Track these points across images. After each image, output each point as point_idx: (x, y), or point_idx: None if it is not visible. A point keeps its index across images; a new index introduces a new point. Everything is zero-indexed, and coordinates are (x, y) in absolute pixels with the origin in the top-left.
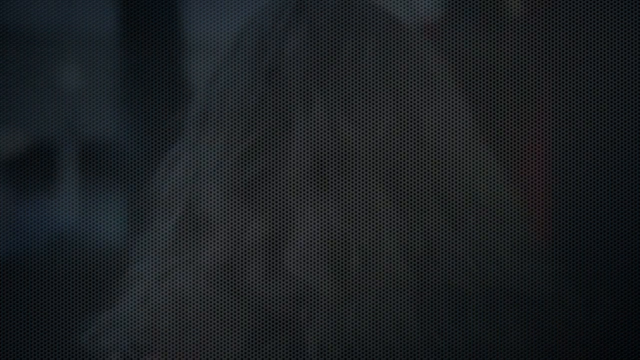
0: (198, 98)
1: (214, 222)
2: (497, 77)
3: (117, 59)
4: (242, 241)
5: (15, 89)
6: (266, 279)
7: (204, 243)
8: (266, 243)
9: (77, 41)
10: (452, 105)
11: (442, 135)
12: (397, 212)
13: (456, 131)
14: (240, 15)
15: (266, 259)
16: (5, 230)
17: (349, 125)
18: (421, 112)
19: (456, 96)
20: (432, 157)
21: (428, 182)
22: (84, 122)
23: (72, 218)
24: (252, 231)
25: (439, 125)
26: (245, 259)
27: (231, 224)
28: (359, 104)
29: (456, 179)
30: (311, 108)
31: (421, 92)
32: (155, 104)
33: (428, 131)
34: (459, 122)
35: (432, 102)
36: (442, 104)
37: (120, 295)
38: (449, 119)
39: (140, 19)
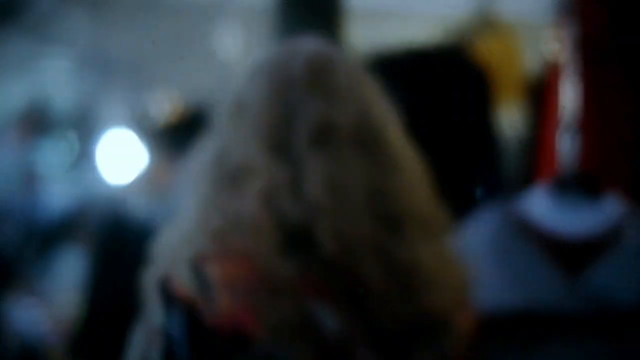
0: (232, 99)
1: (255, 169)
2: None
3: (273, 29)
4: (277, 181)
5: (173, 59)
6: (294, 204)
7: (247, 184)
8: (292, 182)
9: (234, 11)
10: (387, 105)
11: (387, 126)
12: (365, 161)
13: (394, 125)
14: None
15: (293, 192)
16: (159, 198)
17: (335, 111)
18: (372, 105)
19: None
20: (381, 134)
21: (381, 149)
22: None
23: None
24: (282, 174)
25: (384, 118)
26: (280, 192)
27: (267, 170)
28: (341, 97)
29: (397, 150)
30: (308, 104)
31: (368, 93)
32: None
33: (379, 119)
34: (394, 119)
35: (375, 101)
36: (382, 103)
37: (167, 230)
38: (389, 115)
39: None
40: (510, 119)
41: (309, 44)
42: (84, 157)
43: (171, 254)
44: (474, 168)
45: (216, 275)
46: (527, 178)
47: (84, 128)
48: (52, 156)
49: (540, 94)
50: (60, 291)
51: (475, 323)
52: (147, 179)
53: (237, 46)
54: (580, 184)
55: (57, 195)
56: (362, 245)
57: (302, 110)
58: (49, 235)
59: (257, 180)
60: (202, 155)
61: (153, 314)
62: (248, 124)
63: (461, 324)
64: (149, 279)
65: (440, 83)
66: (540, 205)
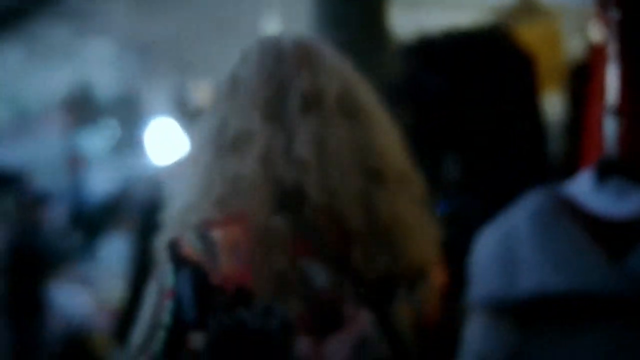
0: (228, 76)
1: (252, 136)
2: None
3: (317, 15)
4: (271, 145)
5: (214, 44)
6: (287, 165)
7: (245, 150)
8: (285, 146)
9: None
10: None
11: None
12: (349, 125)
13: (372, 97)
14: None
15: (286, 154)
16: None
17: (322, 82)
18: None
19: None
20: (362, 103)
21: (363, 115)
22: None
23: None
24: (276, 139)
25: (363, 91)
26: (275, 155)
27: (263, 136)
28: (326, 71)
29: (377, 117)
30: (298, 76)
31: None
32: (360, 57)
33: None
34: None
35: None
36: (360, 80)
37: (171, 201)
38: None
39: None
40: (552, 104)
41: (295, 34)
42: (126, 142)
43: (179, 220)
44: (519, 152)
45: (220, 239)
46: (570, 163)
47: (126, 113)
48: (95, 142)
49: (582, 78)
50: (105, 275)
51: (447, 279)
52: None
53: (279, 30)
54: (624, 168)
55: (100, 180)
56: (347, 196)
57: (293, 82)
58: (93, 220)
59: (254, 145)
60: (204, 128)
61: (163, 276)
62: (245, 97)
63: (435, 277)
64: (160, 244)
65: (485, 67)
66: (584, 189)
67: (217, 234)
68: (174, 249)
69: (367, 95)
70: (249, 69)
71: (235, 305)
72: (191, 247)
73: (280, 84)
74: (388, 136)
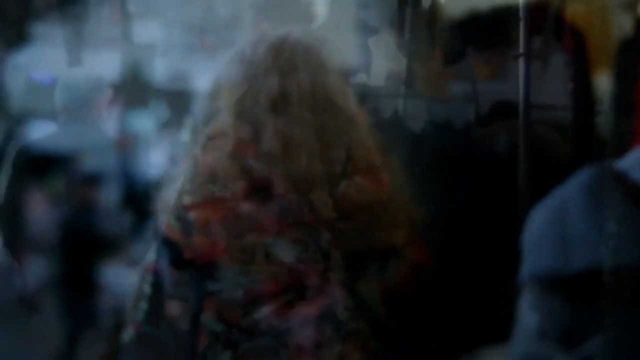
0: (212, 81)
1: (226, 134)
2: None
3: None
4: (242, 141)
5: (261, 21)
6: (256, 158)
7: (221, 146)
8: (254, 141)
9: None
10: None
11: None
12: (318, 119)
13: (344, 91)
14: None
15: (255, 148)
16: None
17: (289, 83)
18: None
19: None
20: (333, 98)
21: (333, 109)
22: None
23: None
24: (247, 136)
25: (335, 86)
26: (245, 150)
27: (235, 133)
28: (296, 71)
29: (346, 110)
30: (267, 80)
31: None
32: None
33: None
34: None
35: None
36: (334, 74)
37: (161, 190)
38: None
39: None
40: (601, 80)
41: (277, 32)
42: (175, 123)
43: (166, 206)
44: (571, 131)
45: (195, 219)
46: (620, 140)
47: (175, 95)
48: (144, 123)
49: (632, 54)
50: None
51: (426, 255)
52: None
53: (326, 11)
54: None
55: (150, 161)
56: (313, 184)
57: (263, 85)
58: (143, 201)
59: (228, 142)
60: (192, 128)
61: (149, 253)
62: (223, 99)
63: (411, 255)
64: (152, 227)
65: (534, 43)
66: (636, 165)
67: (193, 215)
68: (159, 230)
69: (339, 92)
70: (229, 73)
71: (205, 278)
72: (171, 227)
73: (253, 87)
74: (358, 129)
